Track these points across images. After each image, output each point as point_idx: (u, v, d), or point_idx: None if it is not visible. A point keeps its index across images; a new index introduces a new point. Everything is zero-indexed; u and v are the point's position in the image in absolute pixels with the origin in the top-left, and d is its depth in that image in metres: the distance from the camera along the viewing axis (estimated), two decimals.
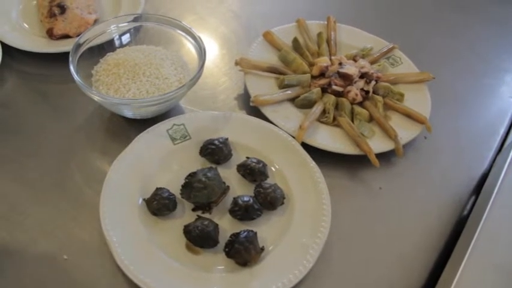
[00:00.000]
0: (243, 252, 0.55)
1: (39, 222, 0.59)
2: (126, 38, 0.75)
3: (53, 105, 0.73)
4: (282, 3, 0.99)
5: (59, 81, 0.77)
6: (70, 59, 0.66)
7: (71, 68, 0.65)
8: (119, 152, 0.63)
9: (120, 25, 0.74)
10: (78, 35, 0.81)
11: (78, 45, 0.69)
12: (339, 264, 0.58)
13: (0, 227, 0.58)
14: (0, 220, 0.58)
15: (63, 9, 0.82)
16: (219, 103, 0.76)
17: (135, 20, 0.76)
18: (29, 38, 0.82)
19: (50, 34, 0.81)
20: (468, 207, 0.66)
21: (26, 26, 0.85)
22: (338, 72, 0.75)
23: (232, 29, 0.90)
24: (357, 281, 0.57)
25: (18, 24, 0.85)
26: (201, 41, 0.70)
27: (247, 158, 0.65)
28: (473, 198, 0.67)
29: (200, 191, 0.59)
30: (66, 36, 0.82)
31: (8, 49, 0.77)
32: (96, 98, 0.64)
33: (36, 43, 0.80)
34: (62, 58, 0.74)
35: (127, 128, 0.70)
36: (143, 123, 0.69)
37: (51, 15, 0.82)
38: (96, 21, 0.85)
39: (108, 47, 0.74)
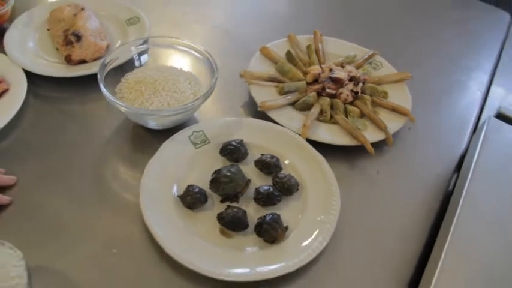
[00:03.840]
0: (271, 231, 0.64)
1: (86, 226, 0.67)
2: (144, 58, 0.84)
3: (79, 124, 0.82)
4: (270, 21, 1.10)
5: (81, 101, 0.86)
6: (98, 77, 0.75)
7: (101, 85, 0.74)
8: (147, 158, 0.72)
9: (139, 47, 0.84)
10: (94, 60, 0.91)
11: (103, 66, 0.78)
12: (349, 239, 0.68)
13: (53, 235, 0.65)
14: (54, 231, 0.66)
15: (78, 37, 0.91)
16: (228, 111, 0.85)
17: (150, 42, 0.85)
18: (49, 65, 0.90)
19: (68, 60, 0.90)
20: (452, 182, 0.78)
21: (43, 54, 0.93)
22: (330, 77, 0.86)
23: (228, 46, 1.00)
24: (367, 251, 0.67)
25: (36, 53, 0.93)
26: (213, 59, 0.80)
27: (262, 154, 0.75)
28: (456, 174, 0.79)
29: (227, 184, 0.68)
30: (82, 62, 0.91)
31: (31, 76, 0.85)
32: (124, 109, 0.73)
33: (57, 69, 0.89)
34: (80, 81, 0.84)
35: (150, 138, 0.79)
36: (164, 133, 0.78)
37: (68, 43, 0.91)
38: (108, 47, 0.94)
39: (127, 67, 0.83)
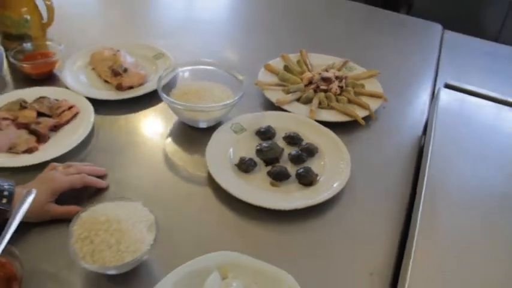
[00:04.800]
0: (308, 176, 0.92)
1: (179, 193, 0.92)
2: (182, 77, 1.12)
3: (139, 131, 1.07)
4: (260, 46, 1.41)
5: (135, 116, 1.11)
6: (158, 89, 1.02)
7: (162, 94, 1.01)
8: (201, 150, 0.98)
9: (182, 69, 1.11)
10: (138, 86, 1.17)
11: (160, 81, 1.04)
12: (359, 180, 0.95)
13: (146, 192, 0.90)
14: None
15: (125, 69, 1.18)
16: (250, 108, 1.13)
17: (184, 65, 1.13)
18: (104, 92, 1.15)
19: (120, 87, 1.16)
20: (422, 142, 1.08)
21: (95, 85, 1.18)
22: (321, 78, 1.17)
23: (235, 64, 1.28)
24: (370, 188, 0.95)
25: (90, 85, 1.18)
26: (239, 74, 1.08)
27: (286, 133, 1.03)
28: (423, 137, 1.10)
29: (269, 151, 0.96)
30: (130, 88, 1.17)
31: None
32: (182, 107, 1.00)
33: (112, 94, 1.15)
34: (130, 101, 1.11)
35: (198, 135, 1.05)
36: (208, 131, 1.03)
37: (116, 74, 1.17)
38: (145, 75, 1.21)
39: (171, 85, 1.10)
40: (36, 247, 0.77)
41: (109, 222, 0.71)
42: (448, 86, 1.14)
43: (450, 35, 1.53)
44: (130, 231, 0.71)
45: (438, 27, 1.57)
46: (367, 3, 1.80)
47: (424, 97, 1.22)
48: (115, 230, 0.71)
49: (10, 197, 0.76)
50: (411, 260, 0.74)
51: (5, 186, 0.76)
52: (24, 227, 0.75)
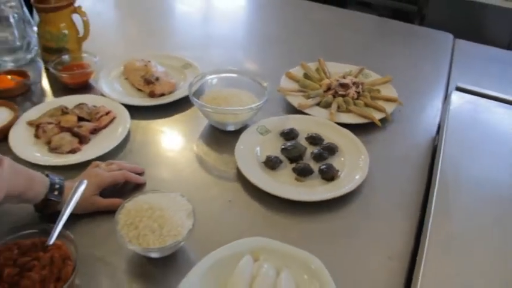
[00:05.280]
0: (330, 171, 0.99)
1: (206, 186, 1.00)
2: (212, 83, 1.21)
3: (171, 134, 1.15)
4: (281, 55, 1.49)
5: (167, 119, 1.20)
6: (189, 94, 1.10)
7: (193, 98, 1.09)
8: (229, 150, 1.06)
9: (210, 76, 1.20)
10: (169, 93, 1.26)
11: (191, 87, 1.13)
12: (377, 175, 1.03)
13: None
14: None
15: (157, 78, 1.27)
16: (275, 112, 1.21)
17: (211, 74, 1.22)
18: (138, 99, 1.25)
19: (152, 95, 1.25)
20: (436, 142, 1.15)
21: (129, 93, 1.27)
22: (340, 84, 1.25)
23: (257, 72, 1.37)
24: (387, 181, 1.02)
25: (124, 93, 1.27)
26: (263, 81, 1.16)
27: (308, 134, 1.11)
28: (437, 137, 1.16)
29: (293, 149, 1.04)
30: (162, 95, 1.26)
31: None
32: (212, 110, 1.08)
33: (146, 101, 1.24)
34: (161, 107, 1.20)
35: (227, 137, 1.13)
36: (235, 134, 1.11)
37: (149, 83, 1.26)
38: (175, 83, 1.30)
39: (200, 91, 1.18)
40: (86, 235, 0.85)
41: (152, 210, 0.79)
42: (459, 89, 1.20)
43: (461, 43, 1.60)
44: (171, 218, 0.79)
45: (449, 36, 1.64)
46: (380, 15, 1.89)
47: (437, 101, 1.29)
48: (158, 216, 0.79)
49: (61, 189, 0.84)
50: (426, 247, 0.80)
51: (56, 180, 0.85)
52: (74, 218, 0.83)
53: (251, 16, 1.95)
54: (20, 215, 0.86)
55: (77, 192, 0.80)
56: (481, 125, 1.10)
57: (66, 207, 0.78)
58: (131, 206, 0.82)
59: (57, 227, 0.76)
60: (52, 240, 0.74)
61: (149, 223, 0.78)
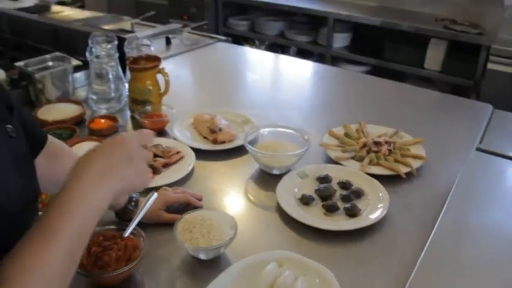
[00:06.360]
0: (353, 209, 1.18)
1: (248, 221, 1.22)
2: (264, 135, 1.46)
3: (227, 173, 1.40)
4: (325, 116, 1.73)
5: (225, 162, 1.45)
6: (245, 143, 1.35)
7: (247, 145, 1.34)
8: (273, 188, 1.28)
9: (263, 129, 1.45)
10: (230, 141, 1.52)
11: (246, 137, 1.39)
12: (396, 216, 1.20)
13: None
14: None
15: (220, 129, 1.54)
16: (315, 162, 1.43)
17: (264, 127, 1.47)
18: (203, 144, 1.51)
19: (215, 142, 1.51)
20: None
21: (196, 139, 1.55)
22: (374, 142, 1.45)
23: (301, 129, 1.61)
24: (404, 219, 1.19)
25: (191, 139, 1.55)
26: (306, 135, 1.40)
27: (340, 180, 1.31)
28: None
29: (325, 190, 1.24)
30: (223, 142, 1.52)
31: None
32: (262, 155, 1.32)
33: (209, 146, 1.50)
34: (221, 152, 1.45)
35: (272, 179, 1.35)
36: (280, 176, 1.33)
37: (213, 132, 1.53)
38: (235, 134, 1.56)
39: (254, 141, 1.43)
40: (150, 239, 1.07)
41: (203, 220, 1.03)
42: (479, 149, 1.37)
43: (500, 113, 1.74)
44: (218, 227, 1.01)
45: (489, 106, 1.80)
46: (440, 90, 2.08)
47: (462, 161, 1.45)
48: (208, 225, 1.02)
49: (136, 202, 1.10)
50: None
51: (134, 195, 1.11)
52: (143, 226, 1.07)
53: (310, 85, 2.22)
54: (106, 216, 1.12)
55: (149, 201, 1.05)
56: (494, 181, 1.26)
57: (140, 211, 1.03)
58: (188, 217, 1.05)
59: (131, 224, 1.00)
60: (127, 233, 0.98)
61: (200, 229, 1.01)
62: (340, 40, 3.83)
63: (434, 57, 3.36)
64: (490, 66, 2.97)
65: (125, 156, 0.79)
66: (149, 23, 2.78)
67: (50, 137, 1.04)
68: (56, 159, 1.03)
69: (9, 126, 0.81)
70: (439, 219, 1.13)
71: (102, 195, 0.75)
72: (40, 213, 0.78)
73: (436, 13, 3.52)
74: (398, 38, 3.47)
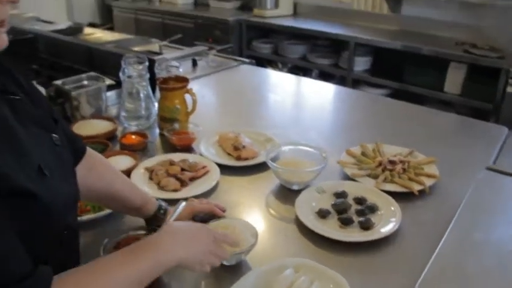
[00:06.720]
0: (367, 222, 1.26)
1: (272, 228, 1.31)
2: (285, 152, 1.55)
3: (249, 188, 1.49)
4: (343, 136, 1.81)
5: (247, 177, 1.54)
6: (266, 160, 1.45)
7: (269, 161, 1.43)
8: (292, 202, 1.36)
9: (284, 147, 1.55)
10: (252, 158, 1.61)
11: (268, 154, 1.48)
12: (407, 229, 1.27)
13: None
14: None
15: (243, 146, 1.63)
16: (332, 178, 1.51)
17: (289, 144, 1.56)
18: (227, 160, 1.61)
19: (239, 158, 1.60)
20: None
21: (220, 156, 1.65)
22: (389, 161, 1.53)
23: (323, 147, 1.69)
24: (415, 233, 1.26)
25: (216, 155, 1.65)
26: (324, 153, 1.49)
27: (355, 196, 1.39)
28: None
29: (341, 204, 1.32)
30: (246, 159, 1.61)
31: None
32: (282, 170, 1.41)
33: (233, 162, 1.60)
34: (244, 168, 1.53)
35: (291, 194, 1.43)
36: (299, 191, 1.43)
37: (237, 149, 1.63)
38: (257, 152, 1.65)
39: (275, 158, 1.52)
40: None
41: (227, 227, 1.12)
42: (489, 169, 1.44)
43: None
44: (240, 233, 1.10)
45: (504, 129, 1.86)
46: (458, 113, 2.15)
47: (474, 179, 1.52)
48: (230, 231, 1.10)
49: (166, 211, 1.20)
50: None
51: (163, 204, 1.21)
52: None
53: (331, 106, 2.32)
54: (138, 222, 1.22)
55: (178, 209, 1.14)
56: (502, 198, 1.32)
57: (170, 218, 1.12)
58: (213, 224, 1.15)
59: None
60: None
61: None
62: (361, 63, 3.92)
63: (454, 80, 3.42)
64: (509, 89, 3.02)
65: (205, 243, 0.98)
66: (176, 46, 2.92)
67: (89, 149, 1.15)
68: (93, 169, 1.13)
69: (55, 135, 0.93)
70: (445, 233, 1.19)
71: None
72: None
73: (457, 37, 3.59)
74: (418, 61, 3.55)
